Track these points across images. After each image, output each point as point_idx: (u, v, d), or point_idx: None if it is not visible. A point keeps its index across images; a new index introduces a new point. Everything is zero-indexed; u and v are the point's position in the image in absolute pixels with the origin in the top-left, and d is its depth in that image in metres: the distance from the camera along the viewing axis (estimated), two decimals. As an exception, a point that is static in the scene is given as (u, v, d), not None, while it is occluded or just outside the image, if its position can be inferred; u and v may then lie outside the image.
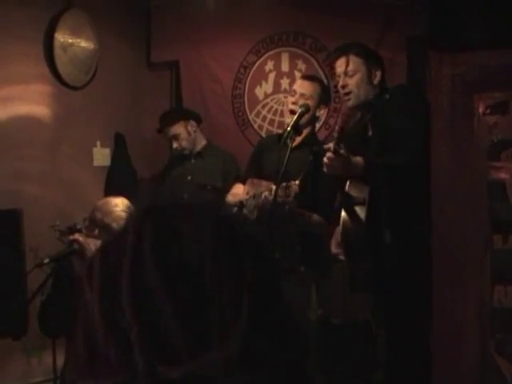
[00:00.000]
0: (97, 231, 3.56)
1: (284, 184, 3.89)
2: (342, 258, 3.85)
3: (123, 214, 3.59)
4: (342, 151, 3.48)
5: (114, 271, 0.99)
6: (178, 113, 5.39)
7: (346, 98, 3.92)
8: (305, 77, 4.66)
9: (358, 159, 3.58)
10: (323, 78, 5.41)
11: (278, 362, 0.99)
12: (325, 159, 3.58)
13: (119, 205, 3.65)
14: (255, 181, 4.38)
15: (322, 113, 4.55)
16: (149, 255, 0.98)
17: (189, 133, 5.10)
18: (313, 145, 4.29)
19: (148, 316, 0.96)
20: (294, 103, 4.37)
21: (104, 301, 0.99)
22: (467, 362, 2.73)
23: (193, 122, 5.14)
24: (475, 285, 2.71)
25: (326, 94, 4.57)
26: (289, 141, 4.00)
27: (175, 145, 5.13)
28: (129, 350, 0.95)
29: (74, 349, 1.01)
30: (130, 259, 0.98)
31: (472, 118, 2.70)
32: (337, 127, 3.61)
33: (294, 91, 4.46)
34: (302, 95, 4.37)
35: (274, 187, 4.01)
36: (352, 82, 3.87)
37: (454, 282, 2.73)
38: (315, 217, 4.29)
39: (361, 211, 3.65)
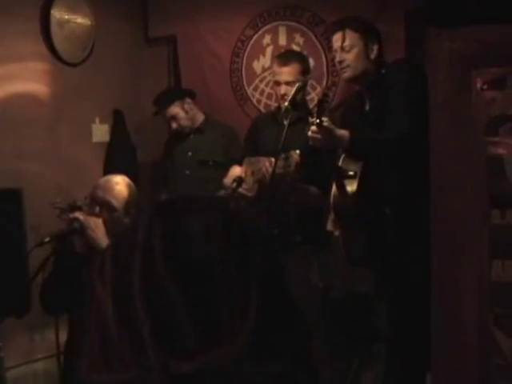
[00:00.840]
0: (97, 209, 3.56)
1: (283, 155, 3.91)
2: (337, 234, 3.87)
3: (124, 192, 3.60)
4: (325, 124, 3.48)
5: (125, 267, 1.01)
6: (172, 93, 5.36)
7: (343, 70, 3.93)
8: (281, 62, 4.55)
9: (344, 132, 3.58)
10: (321, 51, 5.40)
11: (286, 352, 1.01)
12: (309, 132, 3.58)
13: (120, 182, 3.66)
14: (252, 159, 4.40)
15: (309, 82, 4.60)
16: (159, 252, 1.00)
17: (186, 111, 5.10)
18: (307, 118, 4.29)
19: (160, 311, 0.98)
20: (284, 95, 4.38)
21: (116, 296, 1.01)
22: (466, 336, 2.75)
23: (188, 100, 5.14)
24: (473, 259, 2.72)
25: (307, 64, 4.59)
26: (287, 117, 4.00)
27: (174, 125, 5.13)
28: (141, 345, 0.97)
29: (88, 343, 1.03)
30: (140, 256, 1.00)
31: (470, 93, 2.69)
32: (316, 99, 3.61)
33: (278, 82, 4.47)
34: (287, 83, 4.38)
35: (273, 160, 4.02)
36: (349, 57, 3.86)
37: (452, 256, 2.75)
38: (313, 189, 4.30)
39: (353, 185, 3.66)
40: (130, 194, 3.60)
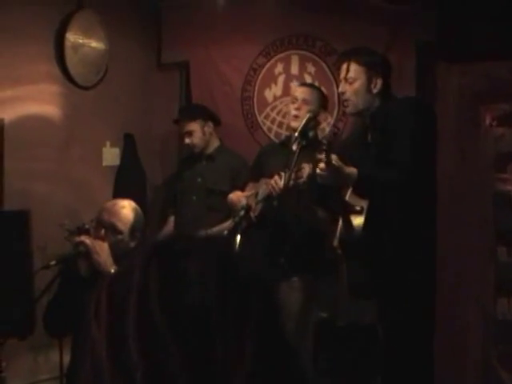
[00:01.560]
0: (103, 231, 3.58)
1: (295, 168, 3.93)
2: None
3: (130, 215, 3.61)
4: (333, 162, 3.50)
5: (120, 309, 1.00)
6: (198, 110, 5.35)
7: (345, 104, 3.96)
8: (303, 84, 4.76)
9: (352, 170, 3.58)
10: (333, 81, 5.42)
11: None
12: (317, 170, 3.60)
13: (126, 206, 3.68)
14: (257, 183, 4.42)
15: (323, 117, 4.63)
16: (155, 295, 0.99)
17: (204, 132, 5.12)
18: (317, 148, 4.31)
19: (153, 356, 0.97)
20: (297, 109, 4.43)
21: (111, 338, 1.00)
22: (470, 373, 2.73)
23: (210, 123, 5.17)
24: (479, 296, 2.71)
25: (325, 99, 4.66)
26: (295, 146, 4.02)
27: (187, 140, 5.14)
28: None
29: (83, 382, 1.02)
30: (136, 298, 1.00)
31: (478, 128, 2.70)
32: (324, 140, 3.62)
33: (295, 98, 4.54)
34: (303, 101, 4.45)
35: (283, 173, 4.04)
36: (350, 89, 3.87)
37: (457, 292, 2.73)
38: (322, 212, 4.31)
39: (360, 220, 3.66)
40: (136, 218, 3.62)
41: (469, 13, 2.88)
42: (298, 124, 4.22)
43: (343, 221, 3.69)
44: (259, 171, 4.65)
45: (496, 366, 2.68)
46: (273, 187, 4.15)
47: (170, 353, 0.97)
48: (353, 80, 3.86)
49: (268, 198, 4.22)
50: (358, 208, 3.66)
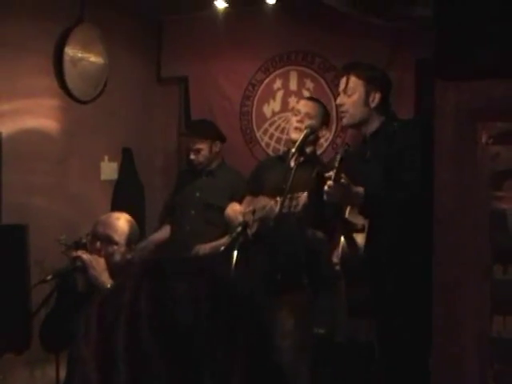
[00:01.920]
0: (99, 244, 3.60)
1: (289, 195, 3.93)
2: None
3: (125, 226, 3.63)
4: (342, 180, 3.49)
5: (110, 328, 1.00)
6: (209, 129, 5.32)
7: (342, 115, 3.97)
8: (308, 98, 4.75)
9: (359, 189, 3.59)
10: (331, 97, 5.43)
11: None
12: (325, 187, 3.59)
13: (121, 218, 3.70)
14: (253, 199, 4.42)
15: (323, 133, 4.63)
16: (145, 316, 0.99)
17: (211, 151, 5.14)
18: (315, 163, 4.32)
19: (142, 376, 0.97)
20: (299, 121, 4.44)
21: (100, 358, 1.00)
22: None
23: (218, 143, 5.18)
24: (474, 314, 2.70)
25: (327, 116, 4.66)
26: (293, 161, 4.03)
27: (192, 157, 5.15)
28: None
29: None
30: (126, 318, 1.00)
31: (475, 146, 2.70)
32: (338, 156, 3.62)
33: (298, 111, 4.53)
34: (306, 114, 4.44)
35: (279, 199, 4.05)
36: (349, 102, 3.89)
37: (452, 311, 2.72)
38: (318, 234, 4.31)
39: (360, 238, 3.66)
40: (131, 230, 3.64)
41: (467, 31, 2.89)
42: (298, 136, 4.24)
43: (345, 239, 3.70)
44: (257, 185, 4.65)
45: (492, 386, 2.67)
46: (267, 213, 4.15)
47: (159, 374, 0.97)
48: (351, 92, 3.88)
49: (264, 218, 4.21)
50: (359, 226, 3.67)
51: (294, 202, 3.97)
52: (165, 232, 5.32)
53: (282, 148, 5.43)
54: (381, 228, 3.65)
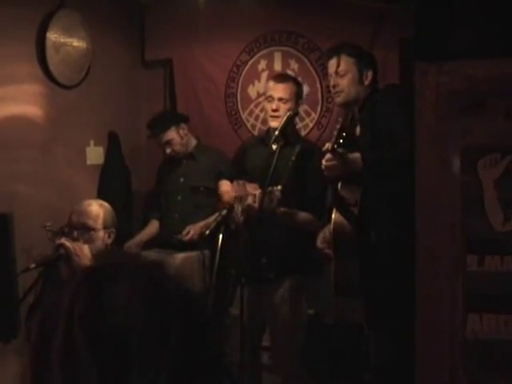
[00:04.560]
0: (76, 233, 3.61)
1: (269, 188, 3.92)
2: (328, 251, 3.87)
3: (98, 211, 3.70)
4: (339, 150, 3.48)
5: (49, 334, 1.01)
6: (168, 118, 5.33)
7: (336, 95, 3.96)
8: (277, 79, 4.57)
9: (356, 155, 3.57)
10: (316, 77, 5.42)
11: None
12: (323, 161, 3.59)
13: (92, 203, 3.77)
14: (240, 182, 4.40)
15: (300, 108, 4.61)
16: (78, 318, 1.00)
17: (181, 137, 5.11)
18: (296, 143, 4.30)
19: (74, 378, 0.98)
20: (275, 110, 4.36)
21: (36, 364, 1.02)
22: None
23: (183, 125, 5.15)
24: (446, 312, 2.56)
25: (300, 89, 4.57)
26: (276, 145, 4.02)
27: (168, 150, 5.13)
28: None
29: None
30: (63, 323, 1.01)
31: (455, 127, 2.70)
32: (336, 128, 3.60)
33: (271, 97, 4.42)
34: (280, 99, 4.38)
35: (257, 192, 4.04)
36: (343, 82, 3.90)
37: (429, 305, 2.64)
38: (304, 215, 4.30)
39: (354, 212, 3.67)
40: (105, 213, 3.68)
41: (447, 11, 2.88)
42: (278, 124, 4.22)
43: (338, 213, 3.69)
44: (241, 167, 4.63)
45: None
46: (249, 208, 4.13)
47: (89, 377, 0.98)
48: (344, 72, 3.88)
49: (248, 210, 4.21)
50: (352, 201, 3.68)
51: (270, 197, 3.96)
52: (152, 228, 5.29)
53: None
54: (373, 202, 3.67)
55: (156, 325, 1.01)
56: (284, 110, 4.31)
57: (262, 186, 4.05)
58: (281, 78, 4.62)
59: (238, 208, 4.16)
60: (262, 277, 4.31)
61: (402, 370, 3.55)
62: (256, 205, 4.02)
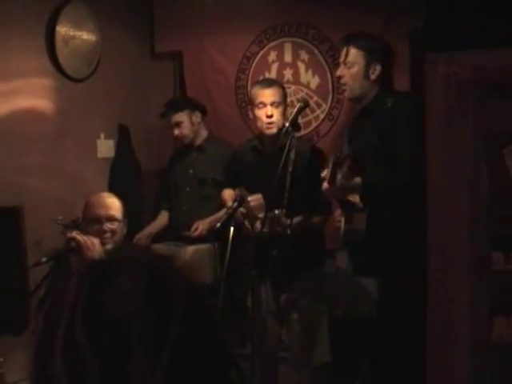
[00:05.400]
0: (99, 226, 3.64)
1: (271, 214, 3.91)
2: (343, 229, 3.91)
3: (117, 202, 3.76)
4: (338, 179, 3.53)
5: (54, 326, 1.03)
6: (184, 101, 5.39)
7: (343, 87, 3.98)
8: (263, 84, 4.53)
9: (357, 181, 3.60)
10: (326, 68, 5.40)
11: None
12: (323, 188, 3.64)
13: (110, 195, 3.85)
14: (242, 189, 4.36)
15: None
16: (80, 310, 1.02)
17: (192, 123, 5.12)
18: (290, 147, 4.22)
19: (75, 372, 0.99)
20: (269, 117, 4.32)
21: (40, 352, 1.04)
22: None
23: (198, 113, 5.17)
24: (465, 314, 2.39)
25: (285, 91, 4.56)
26: (288, 138, 4.00)
27: (176, 132, 5.14)
28: None
29: None
30: (66, 315, 1.02)
31: (467, 117, 2.68)
32: (331, 158, 3.63)
33: (263, 103, 4.36)
34: (272, 104, 4.34)
35: (261, 215, 4.01)
36: (348, 74, 3.89)
37: (444, 308, 2.55)
38: (315, 219, 4.31)
39: (362, 217, 3.68)
40: (122, 204, 3.73)
41: (457, 2, 2.86)
42: (274, 131, 4.21)
43: (348, 220, 3.73)
44: (235, 177, 4.63)
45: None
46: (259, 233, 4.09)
47: (90, 369, 0.99)
48: (351, 64, 3.87)
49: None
50: (360, 206, 3.70)
51: (275, 220, 3.97)
52: (162, 219, 5.30)
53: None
54: (381, 209, 3.67)
55: (157, 316, 1.02)
56: (277, 114, 4.28)
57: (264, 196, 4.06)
58: (267, 82, 4.60)
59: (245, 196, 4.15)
60: (276, 270, 4.31)
61: (409, 360, 3.55)
62: (265, 230, 3.98)
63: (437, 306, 2.50)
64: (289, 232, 4.02)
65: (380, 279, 3.95)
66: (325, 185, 3.60)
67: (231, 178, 4.66)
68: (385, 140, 3.67)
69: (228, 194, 4.59)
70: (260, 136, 4.50)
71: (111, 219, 3.66)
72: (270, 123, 4.32)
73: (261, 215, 4.03)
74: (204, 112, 5.26)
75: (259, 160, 4.32)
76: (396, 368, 3.77)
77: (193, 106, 5.23)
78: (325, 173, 3.61)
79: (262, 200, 4.13)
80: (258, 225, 4.09)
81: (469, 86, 2.67)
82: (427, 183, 2.72)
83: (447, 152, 2.70)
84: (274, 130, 4.26)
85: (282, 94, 4.41)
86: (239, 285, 4.42)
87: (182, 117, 5.13)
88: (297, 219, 4.21)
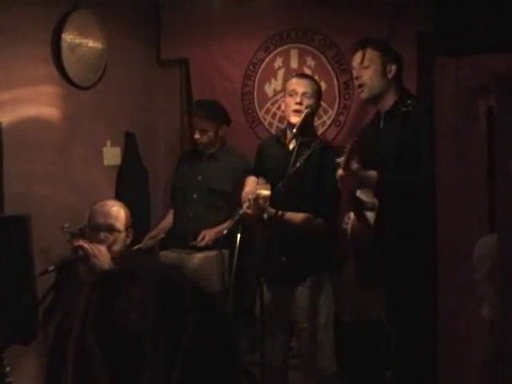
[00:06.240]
0: (102, 235, 3.62)
1: (252, 196, 3.93)
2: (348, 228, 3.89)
3: (121, 212, 3.74)
4: (353, 166, 3.51)
5: (65, 336, 1.03)
6: (217, 111, 5.21)
7: (360, 89, 3.98)
8: (300, 76, 4.60)
9: (371, 173, 3.60)
10: (332, 74, 5.38)
11: None
12: (337, 175, 3.62)
13: (115, 204, 3.81)
14: (261, 181, 4.38)
15: (319, 108, 4.60)
16: (91, 319, 1.02)
17: (216, 134, 5.07)
18: (312, 142, 4.28)
19: (86, 377, 1.00)
20: (298, 103, 4.33)
21: (52, 363, 1.04)
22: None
23: (224, 127, 5.12)
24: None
25: (321, 91, 4.56)
26: (294, 143, 4.00)
27: (197, 136, 5.07)
28: None
29: None
30: (78, 325, 1.02)
31: (477, 122, 2.66)
32: (348, 144, 3.61)
33: (294, 91, 4.39)
34: (303, 94, 4.34)
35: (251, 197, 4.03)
36: (366, 74, 3.92)
37: (456, 294, 2.60)
38: (315, 221, 4.30)
39: (371, 216, 3.67)
40: (126, 214, 3.70)
41: (466, 5, 2.84)
42: (298, 119, 4.20)
43: (356, 217, 3.71)
44: (261, 167, 4.62)
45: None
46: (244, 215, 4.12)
47: (101, 378, 0.99)
48: (369, 64, 3.91)
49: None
50: (370, 205, 3.68)
51: (257, 203, 3.98)
52: (170, 218, 5.29)
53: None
54: (392, 208, 3.65)
55: (168, 326, 1.02)
56: (306, 105, 4.29)
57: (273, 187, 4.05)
58: (304, 75, 4.68)
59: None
60: (284, 276, 4.30)
61: (424, 368, 3.52)
62: (250, 211, 4.01)
63: (446, 286, 2.50)
64: (265, 217, 4.00)
65: (387, 291, 3.93)
66: (340, 171, 3.58)
67: (255, 168, 4.65)
68: (408, 144, 3.68)
69: (245, 192, 4.52)
70: (285, 130, 4.50)
71: (109, 228, 3.64)
72: (296, 110, 4.32)
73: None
74: (229, 125, 5.23)
75: (281, 152, 4.31)
76: (409, 380, 3.76)
77: (223, 118, 5.16)
78: (341, 159, 3.59)
79: (269, 192, 4.13)
80: (245, 206, 4.08)
81: (479, 90, 2.64)
82: (436, 189, 2.69)
83: (457, 158, 2.68)
84: (298, 119, 4.24)
85: (315, 88, 4.44)
86: (247, 291, 4.40)
87: (210, 126, 5.06)
88: (294, 214, 4.22)
